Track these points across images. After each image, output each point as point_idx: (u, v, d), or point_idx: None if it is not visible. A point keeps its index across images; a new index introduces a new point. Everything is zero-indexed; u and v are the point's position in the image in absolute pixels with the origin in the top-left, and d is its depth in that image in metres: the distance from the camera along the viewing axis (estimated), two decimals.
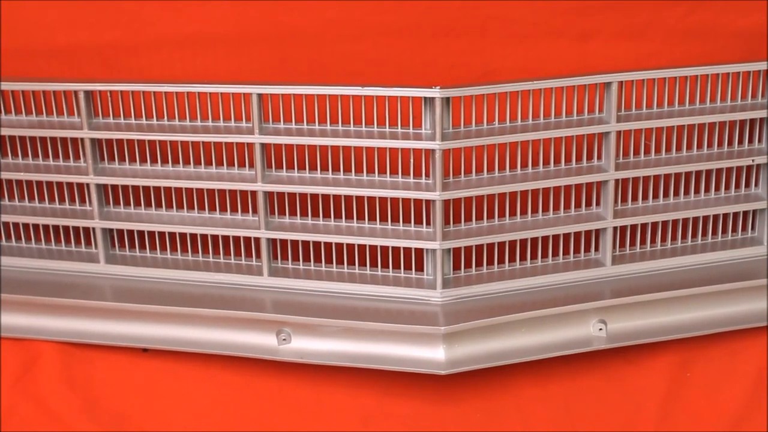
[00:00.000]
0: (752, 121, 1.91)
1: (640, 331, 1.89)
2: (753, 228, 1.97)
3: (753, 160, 1.91)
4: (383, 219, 1.88)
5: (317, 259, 1.92)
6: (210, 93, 1.84)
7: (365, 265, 1.91)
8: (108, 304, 1.90)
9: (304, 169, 1.87)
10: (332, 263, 1.92)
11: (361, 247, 1.90)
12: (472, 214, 1.87)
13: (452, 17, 2.09)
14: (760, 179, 1.94)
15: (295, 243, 1.92)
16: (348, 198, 1.87)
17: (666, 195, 1.93)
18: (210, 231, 1.92)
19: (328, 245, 1.91)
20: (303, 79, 1.83)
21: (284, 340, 1.86)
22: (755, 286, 1.91)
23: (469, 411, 1.87)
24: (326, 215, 1.89)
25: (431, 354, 1.83)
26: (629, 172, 1.87)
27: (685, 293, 1.89)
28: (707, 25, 2.08)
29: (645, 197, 1.92)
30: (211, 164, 1.89)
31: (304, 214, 1.90)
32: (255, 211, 1.89)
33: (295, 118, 1.84)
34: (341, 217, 1.89)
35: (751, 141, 1.92)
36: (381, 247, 1.89)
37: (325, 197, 1.88)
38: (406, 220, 1.88)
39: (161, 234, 1.95)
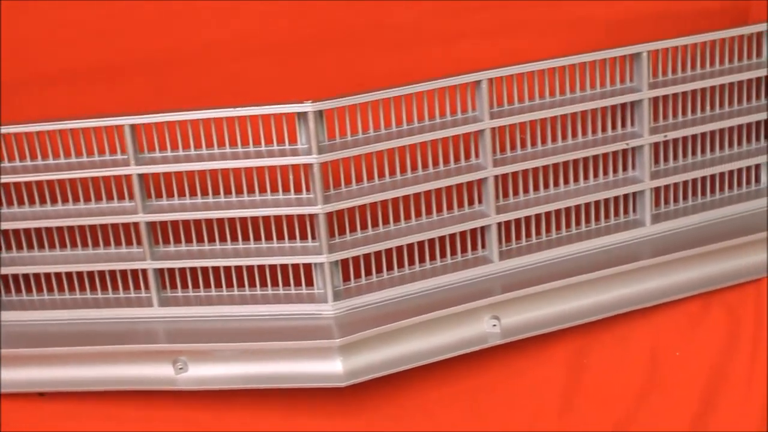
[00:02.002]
0: (623, 105, 1.93)
1: (533, 323, 1.90)
2: (635, 210, 2.00)
3: (627, 144, 1.93)
4: (269, 238, 1.88)
5: (207, 285, 1.91)
6: (82, 128, 1.82)
7: (255, 286, 1.90)
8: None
9: (185, 195, 1.85)
10: (222, 287, 1.91)
11: (250, 268, 1.89)
12: (357, 224, 1.87)
13: (323, 30, 2.09)
14: (636, 162, 1.96)
15: (183, 270, 1.90)
16: (231, 220, 1.86)
17: (546, 186, 1.95)
18: (96, 267, 1.90)
19: (216, 269, 1.90)
20: (181, 105, 1.81)
21: (181, 369, 1.85)
22: (641, 266, 1.94)
23: (376, 419, 1.88)
24: (211, 239, 1.88)
25: (329, 367, 1.83)
26: (507, 167, 1.88)
27: (574, 281, 1.91)
28: (575, 16, 2.11)
29: (526, 190, 1.94)
30: (91, 200, 1.87)
31: (189, 240, 1.89)
32: (139, 242, 1.88)
33: (171, 145, 1.83)
34: (226, 240, 1.88)
35: (624, 125, 1.95)
36: (269, 265, 1.89)
37: (209, 222, 1.87)
38: (292, 237, 1.88)
39: (47, 275, 1.93)
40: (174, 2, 2.08)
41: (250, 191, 1.85)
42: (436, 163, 1.88)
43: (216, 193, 1.85)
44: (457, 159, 1.89)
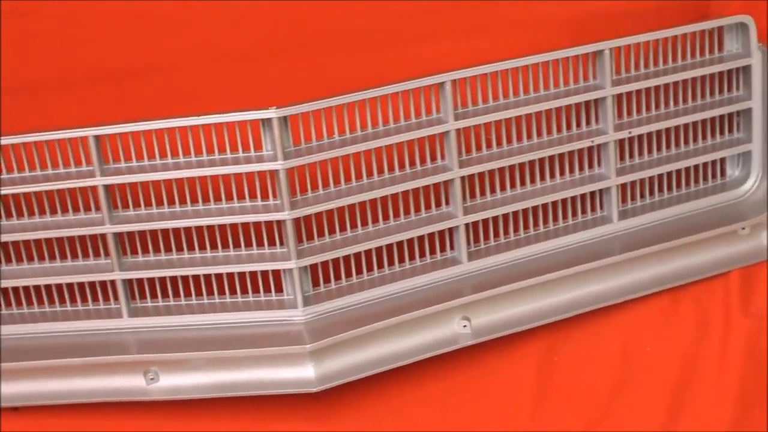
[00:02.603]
0: (587, 103, 1.94)
1: (503, 322, 1.91)
2: (602, 207, 2.00)
3: (593, 141, 1.94)
4: (237, 245, 1.87)
5: (176, 294, 1.91)
6: (47, 141, 1.81)
7: (225, 294, 1.90)
8: None
9: (151, 205, 1.85)
10: (191, 296, 1.90)
11: (219, 276, 1.89)
12: (325, 229, 1.87)
13: (284, 36, 2.09)
14: (602, 159, 1.97)
15: (152, 280, 1.90)
16: (199, 229, 1.86)
17: (513, 185, 1.95)
18: (65, 279, 1.89)
19: (185, 278, 1.90)
20: (146, 115, 1.81)
21: (152, 379, 1.85)
22: (609, 263, 1.95)
23: (348, 423, 1.87)
24: (179, 249, 1.88)
25: (301, 373, 1.83)
26: (473, 168, 1.89)
27: (543, 279, 1.92)
28: (537, 15, 2.12)
29: (493, 191, 1.94)
30: (57, 212, 1.86)
31: (157, 250, 1.88)
32: (107, 253, 1.87)
33: (136, 155, 1.83)
34: (195, 249, 1.88)
35: (588, 123, 1.95)
36: (238, 273, 1.88)
37: (176, 231, 1.87)
38: (261, 243, 1.87)
39: (15, 289, 1.92)
40: (135, 13, 2.07)
41: (217, 199, 1.85)
42: (402, 166, 1.88)
43: (183, 201, 1.85)
44: (423, 161, 1.89)
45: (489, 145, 1.92)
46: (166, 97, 2.07)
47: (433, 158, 1.89)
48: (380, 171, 1.87)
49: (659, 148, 2.00)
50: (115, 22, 2.09)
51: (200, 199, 1.85)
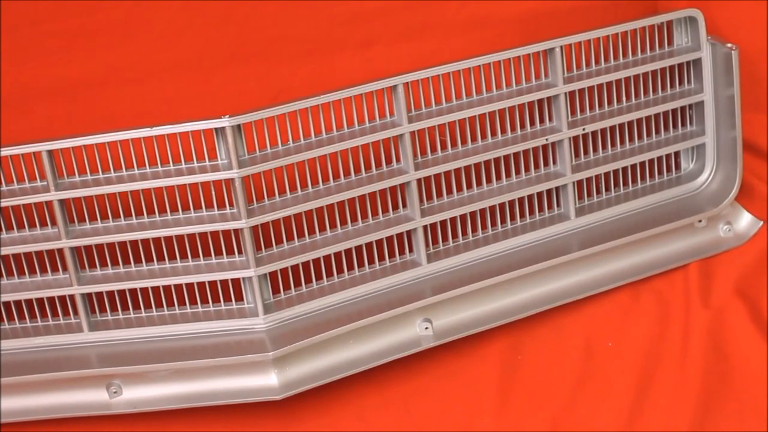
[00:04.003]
0: (540, 101, 1.95)
1: (465, 323, 1.92)
2: (559, 205, 2.01)
3: (547, 139, 1.95)
4: (195, 255, 1.87)
5: (136, 306, 1.90)
6: None
7: (185, 304, 1.90)
8: None
9: (108, 218, 1.85)
10: (152, 307, 1.90)
11: (179, 287, 1.89)
12: (283, 236, 1.87)
13: (232, 44, 2.09)
14: (557, 156, 1.98)
15: (111, 293, 1.89)
16: (157, 240, 1.86)
17: (470, 186, 1.96)
18: (22, 296, 1.88)
19: (144, 290, 1.89)
20: (97, 129, 1.80)
21: (115, 392, 1.84)
22: (569, 260, 1.96)
23: (312, 427, 1.87)
24: (138, 261, 1.87)
25: (264, 381, 1.83)
26: (429, 170, 1.89)
27: (503, 278, 1.93)
28: (483, 15, 2.13)
29: (449, 192, 1.95)
30: (13, 229, 1.86)
31: (115, 263, 1.88)
32: (65, 268, 1.86)
33: (90, 169, 1.82)
34: (153, 261, 1.88)
35: (542, 121, 1.96)
36: (198, 283, 1.88)
37: (134, 243, 1.86)
38: (219, 252, 1.87)
39: None
40: (82, 27, 2.07)
41: (174, 210, 1.84)
42: (358, 170, 1.89)
43: (139, 213, 1.84)
44: (378, 165, 1.89)
45: (444, 147, 1.92)
46: (118, 110, 2.07)
47: (389, 161, 1.90)
48: (336, 176, 1.88)
49: (613, 144, 2.02)
50: (63, 37, 2.08)
51: (157, 211, 1.84)
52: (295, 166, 1.84)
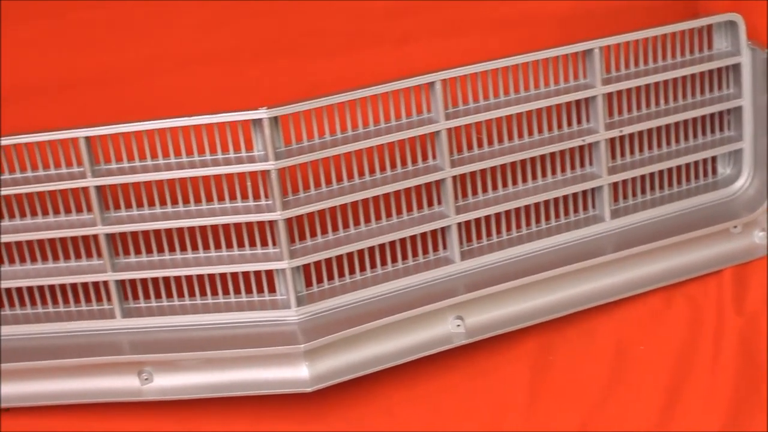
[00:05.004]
0: (578, 102, 1.94)
1: (497, 321, 1.91)
2: (594, 206, 2.01)
3: (584, 140, 1.94)
4: (229, 245, 1.88)
5: (169, 294, 1.91)
6: (37, 142, 1.82)
7: (218, 294, 1.90)
8: None
9: (143, 206, 1.85)
10: (184, 296, 1.91)
11: (212, 277, 1.89)
12: (317, 229, 1.88)
13: (268, 38, 2.09)
14: (593, 158, 1.97)
15: (144, 281, 1.90)
16: (191, 229, 1.86)
17: (505, 185, 1.95)
18: (57, 281, 1.89)
19: (178, 279, 1.90)
20: (132, 118, 1.81)
21: (146, 379, 1.85)
22: (602, 262, 1.95)
23: (341, 423, 1.88)
24: (172, 249, 1.88)
25: (295, 373, 1.83)
26: (465, 167, 1.89)
27: (536, 278, 1.92)
28: (520, 14, 2.12)
29: (485, 190, 1.94)
30: (49, 214, 1.87)
31: (149, 251, 1.89)
32: (99, 254, 1.87)
33: (127, 157, 1.83)
34: (187, 249, 1.88)
35: (579, 122, 1.96)
36: (231, 273, 1.89)
37: (168, 231, 1.87)
38: (253, 244, 1.88)
39: (8, 290, 1.92)
40: (123, 16, 2.08)
41: (209, 200, 1.85)
42: (394, 166, 1.89)
43: (174, 202, 1.85)
44: (414, 161, 1.89)
45: (480, 145, 1.92)
46: (152, 100, 2.07)
47: (425, 158, 1.90)
48: (372, 171, 1.88)
49: (650, 147, 2.01)
50: (98, 26, 2.09)
51: (192, 200, 1.85)
52: (331, 160, 1.85)
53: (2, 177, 1.84)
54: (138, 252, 1.88)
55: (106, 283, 1.88)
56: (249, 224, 1.86)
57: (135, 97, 2.07)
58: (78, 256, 1.90)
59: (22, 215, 1.88)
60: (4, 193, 1.83)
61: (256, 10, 2.10)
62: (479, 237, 1.96)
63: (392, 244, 1.92)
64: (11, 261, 1.90)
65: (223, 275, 1.89)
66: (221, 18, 2.09)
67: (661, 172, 2.02)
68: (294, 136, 1.82)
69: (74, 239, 1.88)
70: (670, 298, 1.98)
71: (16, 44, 2.06)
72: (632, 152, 2.00)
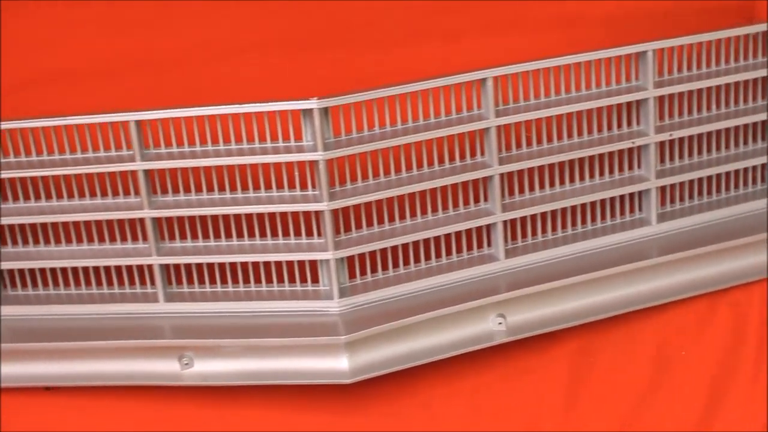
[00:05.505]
0: (629, 104, 1.93)
1: (539, 321, 1.90)
2: (640, 209, 2.00)
3: (633, 142, 1.93)
4: (274, 234, 1.88)
5: (212, 281, 1.91)
6: (88, 124, 1.83)
7: (261, 282, 1.90)
8: (4, 345, 1.88)
9: (190, 191, 1.86)
10: (228, 283, 1.91)
11: (255, 265, 1.90)
12: (363, 221, 1.88)
13: (321, 29, 2.10)
14: (642, 160, 1.96)
15: (188, 266, 1.91)
16: (237, 216, 1.87)
17: (552, 184, 1.95)
18: (102, 262, 1.90)
19: (222, 265, 1.90)
20: (181, 103, 1.82)
21: (187, 364, 1.86)
22: (647, 265, 1.94)
23: (378, 416, 1.87)
24: (217, 236, 1.89)
25: (335, 364, 1.83)
26: (513, 165, 1.89)
27: (580, 279, 1.91)
28: (572, 13, 2.12)
29: (532, 188, 1.94)
30: (96, 195, 1.87)
31: (194, 236, 1.89)
32: (145, 238, 1.88)
33: (176, 142, 1.83)
34: (232, 236, 1.89)
35: (629, 124, 1.95)
36: (275, 262, 1.89)
37: (214, 218, 1.87)
38: (298, 233, 1.88)
39: (53, 270, 1.93)
40: (167, 2, 2.08)
41: (256, 188, 1.85)
42: (441, 161, 1.88)
43: (221, 189, 1.85)
44: (462, 157, 1.89)
45: (529, 143, 1.91)
46: (204, 87, 2.08)
47: (473, 154, 1.89)
48: (419, 165, 1.87)
49: (700, 152, 2.00)
50: (157, 11, 2.10)
51: (239, 187, 1.85)
52: (379, 153, 1.84)
53: (52, 157, 1.85)
54: (183, 237, 1.89)
55: (150, 266, 1.89)
56: (295, 214, 1.86)
57: (184, 83, 2.08)
58: (124, 239, 1.90)
59: (70, 196, 1.88)
60: (54, 173, 1.84)
61: (311, 2, 2.10)
62: (524, 236, 1.96)
63: (437, 239, 1.91)
64: (57, 241, 1.91)
65: (266, 264, 1.89)
66: (274, 7, 2.10)
67: (709, 178, 2.01)
68: (343, 127, 1.82)
69: (120, 222, 1.89)
70: (714, 304, 1.97)
71: (69, 26, 2.07)
72: (681, 156, 1.99)
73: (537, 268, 1.94)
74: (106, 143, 1.85)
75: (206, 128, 1.82)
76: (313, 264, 1.88)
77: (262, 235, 1.88)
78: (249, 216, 1.87)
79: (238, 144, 1.83)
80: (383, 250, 1.90)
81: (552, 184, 1.95)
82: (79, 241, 1.91)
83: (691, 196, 2.02)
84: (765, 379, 1.87)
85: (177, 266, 1.91)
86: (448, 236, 1.92)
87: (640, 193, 1.98)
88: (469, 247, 1.94)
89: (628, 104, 1.93)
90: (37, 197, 1.89)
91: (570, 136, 1.92)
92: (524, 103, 1.89)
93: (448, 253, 1.93)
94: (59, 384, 1.88)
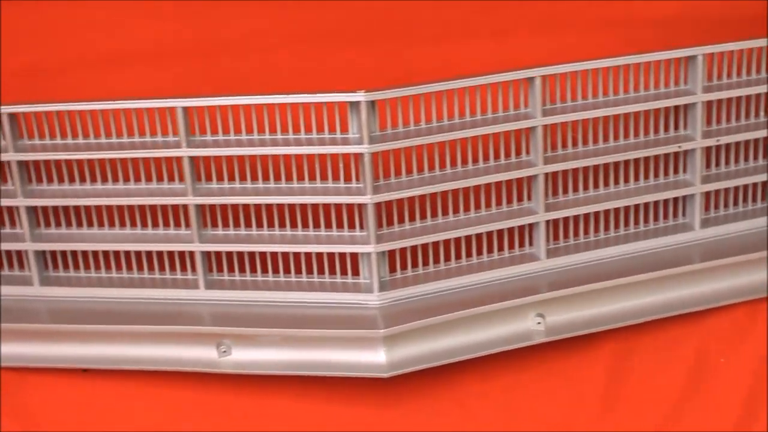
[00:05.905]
0: (677, 107, 1.92)
1: (578, 322, 1.90)
2: (684, 214, 1.99)
3: (680, 146, 1.92)
4: (316, 225, 1.88)
5: (253, 270, 1.91)
6: (135, 109, 1.83)
7: (301, 273, 1.90)
8: (44, 326, 1.89)
9: (234, 180, 1.86)
10: (268, 272, 1.91)
11: (296, 255, 1.90)
12: (405, 216, 1.87)
13: (369, 22, 2.10)
14: (687, 165, 1.95)
15: (230, 254, 1.91)
16: (280, 206, 1.87)
17: (596, 186, 1.94)
18: (144, 247, 1.91)
19: (263, 255, 1.90)
20: (227, 91, 1.83)
21: (224, 352, 1.86)
22: (689, 271, 1.93)
23: (413, 411, 1.87)
24: (259, 225, 1.89)
25: (372, 357, 1.83)
26: (558, 165, 1.88)
27: (620, 282, 1.90)
28: (622, 15, 2.11)
29: (575, 189, 1.93)
30: (141, 180, 1.88)
31: (237, 225, 1.89)
32: (188, 224, 1.88)
33: (222, 130, 1.84)
34: (274, 226, 1.89)
35: (676, 128, 1.94)
36: (316, 253, 1.89)
37: (257, 207, 1.88)
38: (340, 225, 1.88)
39: (95, 253, 1.94)
40: None
41: (300, 178, 1.85)
42: (486, 158, 1.88)
43: (266, 178, 1.85)
44: (507, 155, 1.88)
45: (575, 143, 1.90)
46: (251, 76, 2.08)
47: (518, 153, 1.89)
48: (464, 162, 1.87)
49: (746, 158, 1.98)
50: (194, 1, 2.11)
51: (283, 177, 1.85)
52: (424, 148, 1.84)
53: (99, 141, 1.86)
54: (226, 225, 1.89)
55: (192, 253, 1.90)
56: (338, 206, 1.86)
57: (232, 71, 2.08)
58: (167, 225, 1.91)
59: (115, 180, 1.89)
60: (101, 156, 1.85)
61: None
62: (566, 236, 1.95)
63: (479, 236, 1.91)
64: (101, 225, 1.92)
65: (308, 255, 1.89)
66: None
67: (754, 185, 2.00)
68: (390, 121, 1.81)
69: (164, 208, 1.90)
70: (755, 312, 1.96)
71: (123, 10, 2.08)
72: (727, 162, 1.98)
73: (578, 269, 1.93)
74: (152, 128, 1.85)
75: (253, 117, 1.82)
76: (354, 257, 1.88)
77: (305, 225, 1.88)
78: (292, 206, 1.87)
79: (283, 134, 1.83)
80: (424, 246, 1.89)
81: (596, 186, 1.94)
82: (122, 225, 1.92)
83: (735, 203, 2.00)
84: None
85: (218, 254, 1.91)
86: (489, 234, 1.91)
87: (684, 197, 1.97)
88: (511, 246, 1.93)
89: (676, 108, 1.92)
90: (82, 180, 1.90)
91: (616, 138, 1.92)
92: (571, 103, 1.88)
93: (490, 250, 1.92)
94: (96, 366, 1.89)
